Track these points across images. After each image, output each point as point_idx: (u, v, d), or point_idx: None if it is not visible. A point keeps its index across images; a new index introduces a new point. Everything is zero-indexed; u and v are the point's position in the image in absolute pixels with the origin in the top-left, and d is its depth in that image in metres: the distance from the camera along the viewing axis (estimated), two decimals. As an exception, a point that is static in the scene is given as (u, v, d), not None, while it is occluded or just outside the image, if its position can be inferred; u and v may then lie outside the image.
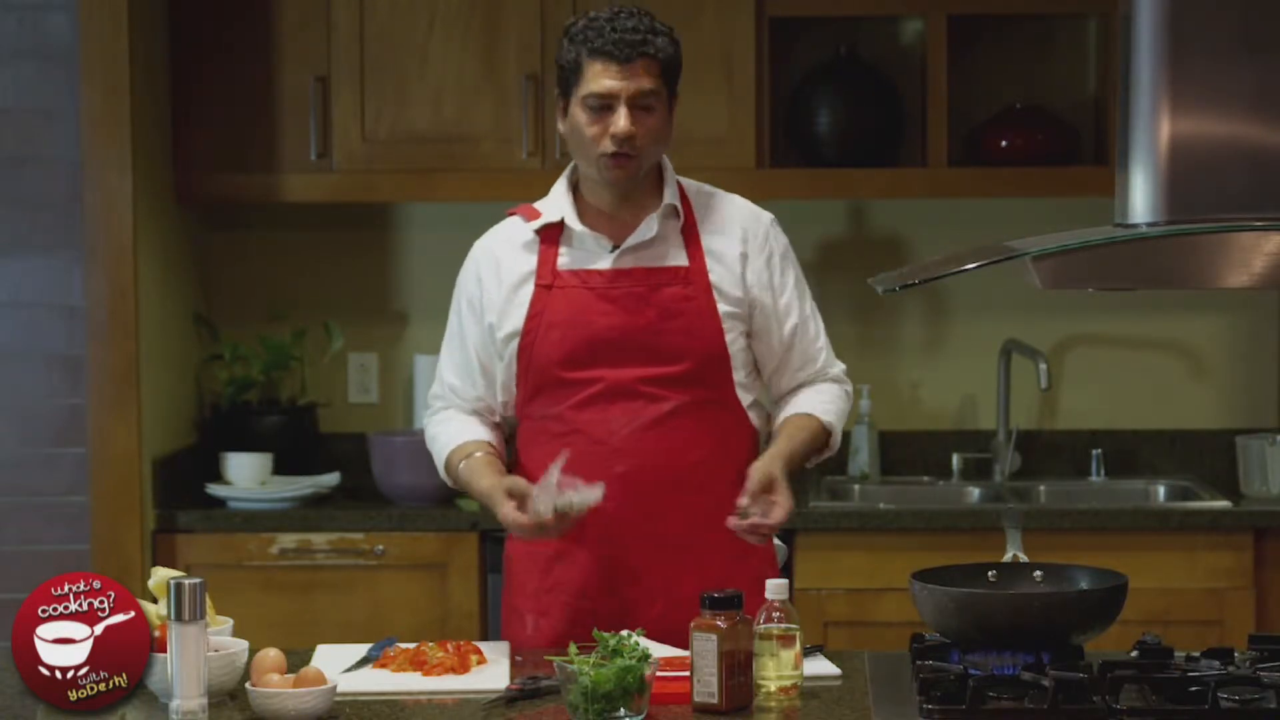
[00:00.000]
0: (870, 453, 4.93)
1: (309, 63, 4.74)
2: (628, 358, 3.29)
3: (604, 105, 3.24)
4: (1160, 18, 2.62)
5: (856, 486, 4.88)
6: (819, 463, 3.46)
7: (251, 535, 4.56)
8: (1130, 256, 2.66)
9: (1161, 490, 4.85)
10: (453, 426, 3.43)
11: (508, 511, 3.20)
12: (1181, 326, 5.04)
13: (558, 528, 3.17)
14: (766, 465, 3.25)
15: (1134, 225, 2.67)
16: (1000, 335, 4.97)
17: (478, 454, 3.36)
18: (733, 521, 3.19)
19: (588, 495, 3.16)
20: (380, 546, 4.55)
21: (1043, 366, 4.74)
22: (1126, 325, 5.05)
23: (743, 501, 3.20)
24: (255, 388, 4.94)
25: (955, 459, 4.97)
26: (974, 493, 4.88)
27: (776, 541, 3.46)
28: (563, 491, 3.15)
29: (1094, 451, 4.96)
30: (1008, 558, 3.14)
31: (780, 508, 3.20)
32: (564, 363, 3.31)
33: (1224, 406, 5.04)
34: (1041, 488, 4.90)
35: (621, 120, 3.23)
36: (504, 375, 3.38)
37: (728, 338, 3.32)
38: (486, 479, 3.30)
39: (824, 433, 3.39)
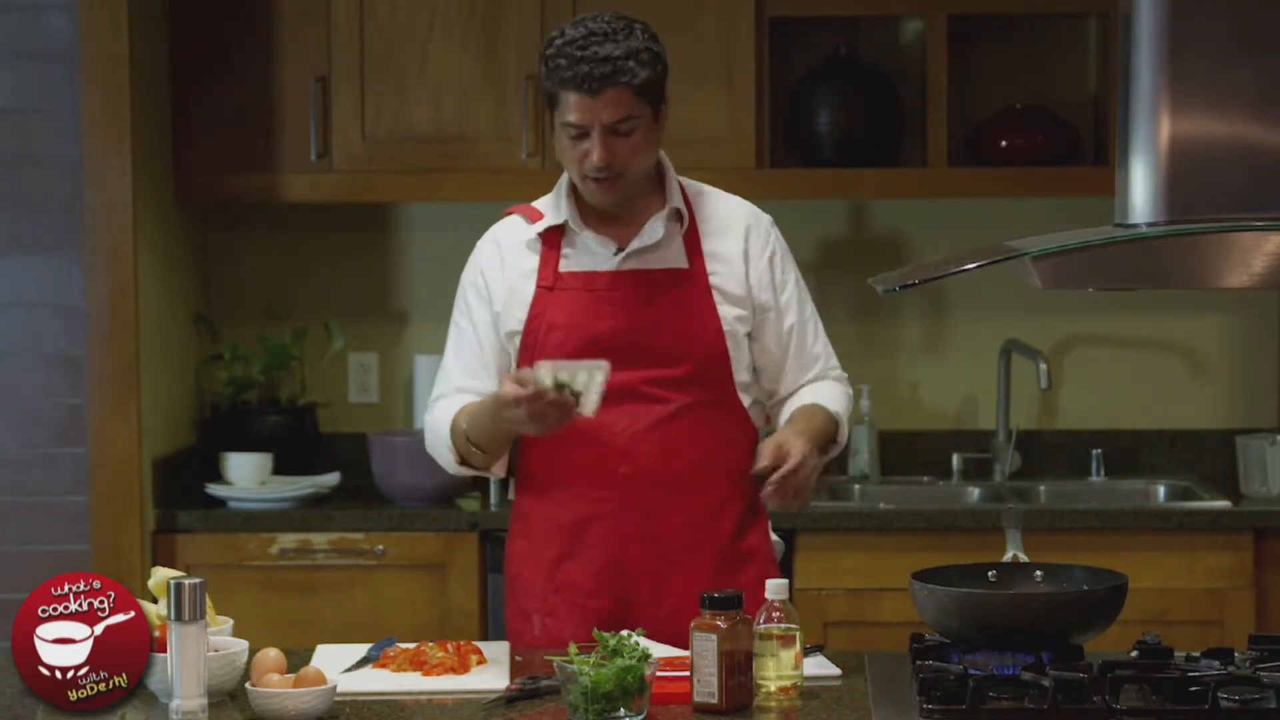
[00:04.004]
0: (870, 453, 4.93)
1: (309, 63, 4.74)
2: (630, 360, 3.28)
3: (580, 133, 3.24)
4: (1160, 18, 2.63)
5: (856, 486, 4.87)
6: (827, 461, 3.38)
7: (251, 535, 4.56)
8: (1130, 256, 2.66)
9: (1161, 490, 4.85)
10: (450, 403, 3.36)
11: (508, 388, 3.09)
12: (1181, 326, 5.04)
13: (559, 405, 3.06)
14: (779, 435, 3.24)
15: (1134, 225, 2.67)
16: (1000, 335, 4.97)
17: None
18: (765, 493, 3.18)
19: (593, 367, 3.06)
20: (380, 546, 4.55)
21: (1043, 366, 4.74)
22: (1126, 325, 5.05)
23: (760, 464, 3.17)
24: (255, 388, 4.94)
25: (955, 459, 4.96)
26: (974, 493, 4.88)
27: (774, 537, 3.46)
28: (565, 363, 3.07)
29: (1094, 451, 4.95)
30: (1008, 558, 3.14)
31: (795, 457, 3.16)
32: None
33: (1224, 406, 5.04)
34: (1041, 488, 4.90)
35: (596, 150, 3.23)
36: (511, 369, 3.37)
37: (728, 339, 3.32)
38: (491, 397, 3.22)
39: (832, 422, 3.36)
